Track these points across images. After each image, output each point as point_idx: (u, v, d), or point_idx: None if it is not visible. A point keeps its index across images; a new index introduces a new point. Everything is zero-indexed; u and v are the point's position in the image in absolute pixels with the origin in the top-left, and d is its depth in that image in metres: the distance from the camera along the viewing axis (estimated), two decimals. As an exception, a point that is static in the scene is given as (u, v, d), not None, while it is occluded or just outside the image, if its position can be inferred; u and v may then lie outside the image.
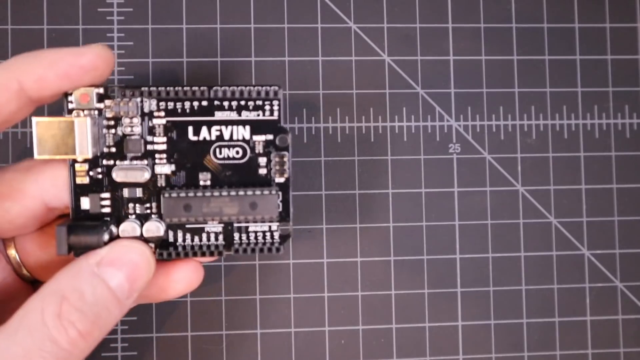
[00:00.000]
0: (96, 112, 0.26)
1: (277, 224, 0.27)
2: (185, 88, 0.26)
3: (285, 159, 0.27)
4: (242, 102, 0.27)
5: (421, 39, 0.34)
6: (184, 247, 0.27)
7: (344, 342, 0.33)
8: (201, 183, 0.27)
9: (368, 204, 0.33)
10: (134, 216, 0.27)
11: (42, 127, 0.25)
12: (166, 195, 0.26)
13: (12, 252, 0.28)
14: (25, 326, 0.23)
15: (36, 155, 0.25)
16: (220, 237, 0.27)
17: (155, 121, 0.27)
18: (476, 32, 0.34)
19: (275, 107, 0.27)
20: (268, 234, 0.27)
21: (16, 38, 0.33)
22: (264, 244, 0.27)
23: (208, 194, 0.26)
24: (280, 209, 0.27)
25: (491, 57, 0.34)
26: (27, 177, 0.26)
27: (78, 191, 0.27)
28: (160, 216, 0.27)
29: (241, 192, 0.26)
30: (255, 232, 0.27)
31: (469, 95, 0.34)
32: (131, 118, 0.27)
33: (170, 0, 0.33)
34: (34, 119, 0.25)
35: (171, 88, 0.26)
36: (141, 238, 0.27)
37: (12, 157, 0.33)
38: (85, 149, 0.25)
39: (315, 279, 0.33)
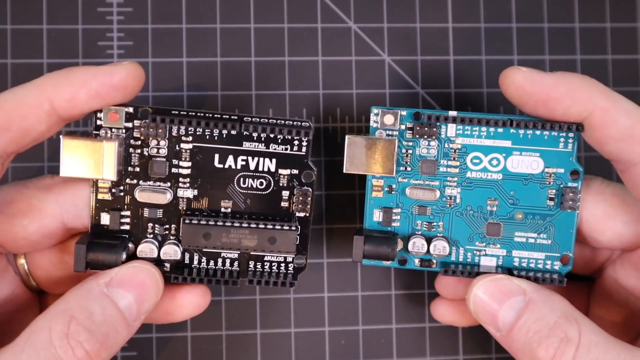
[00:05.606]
0: (124, 130, 0.26)
1: (293, 256, 0.27)
2: (216, 116, 0.26)
3: (309, 196, 0.27)
4: (272, 135, 0.27)
5: (421, 39, 0.34)
6: (199, 270, 0.27)
7: (344, 342, 0.33)
8: (222, 210, 0.27)
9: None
10: (152, 236, 0.27)
11: (70, 147, 0.25)
12: (186, 221, 0.26)
13: (21, 262, 0.28)
14: (31, 345, 0.23)
15: (62, 174, 0.25)
16: (236, 263, 0.27)
17: (183, 146, 0.27)
18: (476, 32, 0.34)
19: (304, 143, 0.27)
20: (283, 265, 0.28)
21: (16, 38, 0.32)
22: (278, 275, 0.27)
23: (228, 223, 0.26)
24: (298, 242, 0.27)
25: (491, 57, 0.34)
26: (48, 196, 0.26)
27: (99, 206, 0.27)
28: (178, 240, 0.27)
29: (261, 225, 0.26)
30: (270, 263, 0.28)
31: (469, 95, 0.34)
32: (158, 140, 0.27)
33: (170, 0, 0.33)
34: (62, 138, 0.25)
35: (201, 115, 0.26)
36: (158, 259, 0.27)
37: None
38: (111, 171, 0.26)
39: (315, 279, 0.33)
